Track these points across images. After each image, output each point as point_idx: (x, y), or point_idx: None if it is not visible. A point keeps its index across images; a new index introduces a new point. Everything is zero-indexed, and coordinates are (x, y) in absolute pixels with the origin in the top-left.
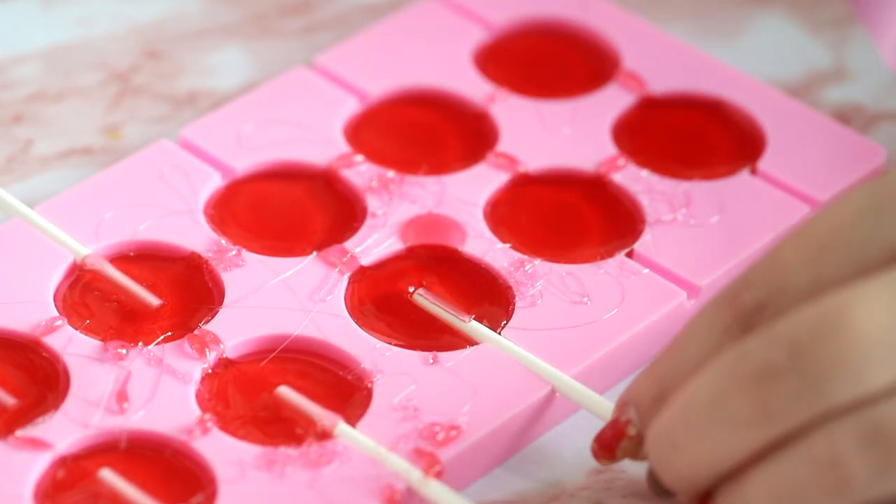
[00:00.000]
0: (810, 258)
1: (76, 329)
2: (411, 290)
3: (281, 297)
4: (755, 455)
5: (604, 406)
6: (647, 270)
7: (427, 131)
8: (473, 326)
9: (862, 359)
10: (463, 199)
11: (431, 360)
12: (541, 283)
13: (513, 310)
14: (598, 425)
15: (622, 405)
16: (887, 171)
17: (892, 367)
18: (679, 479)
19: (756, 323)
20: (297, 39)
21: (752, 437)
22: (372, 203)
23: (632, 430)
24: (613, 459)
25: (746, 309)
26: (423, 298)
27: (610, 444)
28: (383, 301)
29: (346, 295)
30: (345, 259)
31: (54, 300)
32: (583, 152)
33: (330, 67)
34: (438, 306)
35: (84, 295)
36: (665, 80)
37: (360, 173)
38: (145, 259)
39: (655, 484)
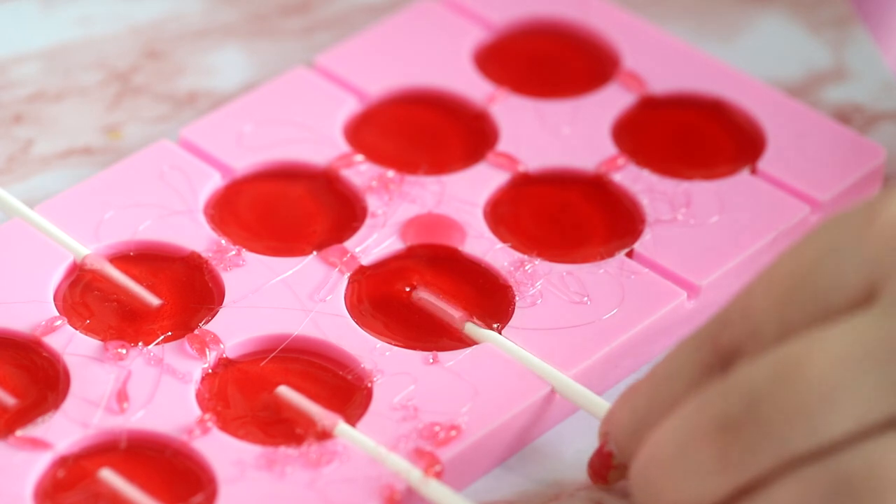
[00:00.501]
0: (777, 303)
1: (76, 329)
2: (408, 290)
3: (281, 297)
4: (725, 500)
5: (603, 407)
6: (647, 270)
7: (427, 131)
8: (473, 326)
9: (819, 406)
10: (463, 198)
11: (431, 360)
12: (541, 282)
13: (513, 310)
14: (597, 426)
15: (603, 434)
16: (846, 208)
17: (851, 414)
18: None
19: (733, 364)
20: (297, 39)
21: (718, 485)
22: (372, 203)
23: (615, 461)
24: (608, 485)
25: (724, 350)
26: (423, 298)
27: (600, 472)
28: (383, 301)
29: (346, 295)
30: (345, 259)
31: (54, 300)
32: (583, 152)
33: (330, 67)
34: (438, 305)
35: (84, 295)
36: (665, 80)
37: (360, 173)
38: (145, 259)
39: None
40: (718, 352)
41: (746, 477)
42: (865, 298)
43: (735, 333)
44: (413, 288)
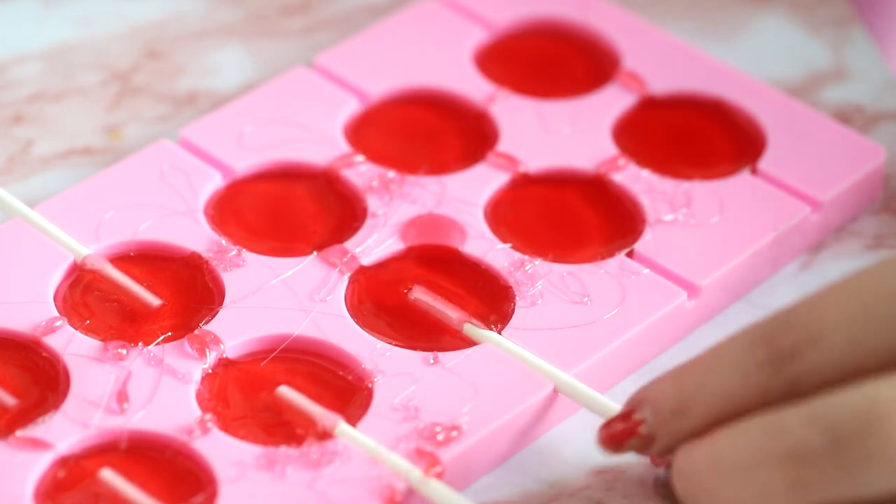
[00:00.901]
0: (851, 318)
1: (76, 329)
2: (406, 291)
3: (281, 297)
4: None
5: (605, 405)
6: (647, 270)
7: (427, 131)
8: (471, 327)
9: None
10: (463, 199)
11: (432, 360)
12: (541, 283)
13: (513, 310)
14: (598, 425)
15: (638, 402)
16: None
17: None
18: None
19: (788, 370)
20: (298, 39)
21: None
22: (372, 203)
23: (644, 430)
24: (618, 452)
25: (780, 353)
26: (419, 298)
27: (619, 438)
28: (383, 301)
29: (346, 295)
30: (345, 259)
31: (54, 300)
32: (583, 152)
33: (330, 67)
34: (434, 306)
35: (84, 295)
36: (665, 80)
37: (361, 173)
38: (145, 259)
39: (665, 493)
40: (774, 350)
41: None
42: None
43: (797, 336)
44: (409, 290)
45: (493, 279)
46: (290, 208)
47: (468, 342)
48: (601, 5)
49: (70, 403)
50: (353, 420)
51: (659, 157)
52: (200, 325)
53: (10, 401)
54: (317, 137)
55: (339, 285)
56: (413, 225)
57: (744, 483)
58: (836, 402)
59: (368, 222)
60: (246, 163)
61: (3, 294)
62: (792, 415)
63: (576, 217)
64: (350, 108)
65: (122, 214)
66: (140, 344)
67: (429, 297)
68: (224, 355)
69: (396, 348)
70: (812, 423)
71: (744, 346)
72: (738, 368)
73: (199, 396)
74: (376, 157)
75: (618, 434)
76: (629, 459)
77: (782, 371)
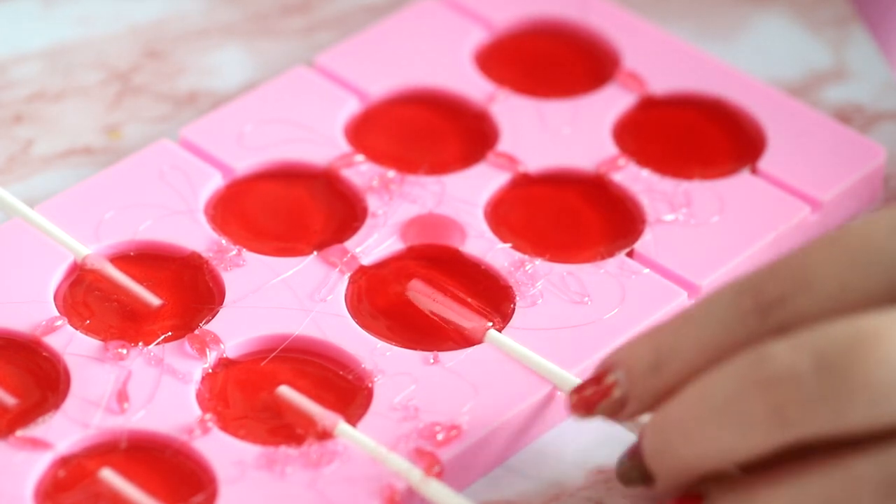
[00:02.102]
0: (839, 264)
1: (76, 329)
2: (405, 291)
3: (281, 297)
4: (762, 458)
5: None
6: (647, 270)
7: (427, 131)
8: (474, 326)
9: (886, 386)
10: (463, 199)
11: (432, 360)
12: (541, 283)
13: (513, 310)
14: (598, 425)
15: (611, 364)
16: None
17: None
18: (673, 469)
19: (776, 316)
20: (298, 39)
21: (762, 440)
22: (372, 203)
23: (617, 392)
24: (589, 416)
25: (768, 299)
26: (417, 293)
27: (590, 402)
28: (383, 301)
29: (346, 295)
30: (345, 259)
31: (54, 300)
32: (583, 152)
33: (330, 67)
34: (434, 302)
35: (84, 295)
36: (665, 80)
37: (361, 173)
38: (145, 259)
39: (628, 470)
40: (759, 303)
41: (792, 436)
42: None
43: (784, 286)
44: (407, 285)
45: (493, 279)
46: (290, 208)
47: (468, 342)
48: (601, 5)
49: (70, 403)
50: (353, 420)
51: (659, 157)
52: (200, 324)
53: (10, 401)
54: (317, 137)
55: (339, 285)
56: (413, 225)
57: (723, 418)
58: (824, 332)
59: (368, 222)
60: (246, 162)
61: (3, 294)
62: (779, 344)
63: (576, 217)
64: (350, 107)
65: (122, 214)
66: (140, 344)
67: (428, 290)
68: (224, 355)
69: (396, 348)
70: (797, 349)
71: (728, 299)
72: (721, 319)
73: (199, 396)
74: (376, 156)
75: (589, 398)
76: None
77: (769, 318)
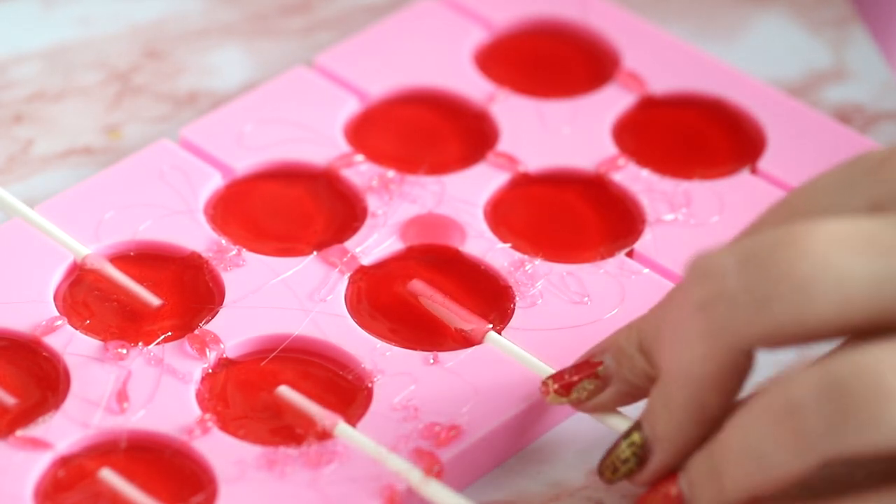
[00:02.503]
0: (777, 207)
1: (76, 329)
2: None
3: (281, 297)
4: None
5: None
6: (647, 270)
7: (427, 131)
8: (473, 325)
9: (809, 280)
10: (463, 198)
11: (431, 360)
12: (541, 283)
13: (513, 310)
14: (598, 426)
15: (599, 351)
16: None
17: (836, 294)
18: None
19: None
20: (297, 39)
21: (706, 352)
22: (372, 203)
23: (601, 370)
24: (565, 397)
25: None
26: (419, 288)
27: (571, 383)
28: (383, 301)
29: (346, 295)
30: (345, 259)
31: (54, 300)
32: (583, 152)
33: (330, 67)
34: (434, 304)
35: (84, 295)
36: (665, 80)
37: (360, 173)
38: (145, 259)
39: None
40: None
41: (728, 342)
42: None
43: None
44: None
45: (492, 279)
46: (290, 208)
47: (468, 342)
48: (601, 5)
49: (70, 403)
50: (353, 420)
51: (659, 157)
52: (200, 324)
53: (10, 401)
54: (317, 137)
55: (339, 285)
56: (413, 225)
57: (674, 340)
58: (754, 237)
59: (368, 222)
60: (246, 162)
61: (3, 294)
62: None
63: (576, 217)
64: (350, 107)
65: (122, 214)
66: (140, 344)
67: (428, 289)
68: (224, 355)
69: (396, 348)
70: (729, 252)
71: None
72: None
73: (199, 396)
74: (376, 156)
75: (570, 378)
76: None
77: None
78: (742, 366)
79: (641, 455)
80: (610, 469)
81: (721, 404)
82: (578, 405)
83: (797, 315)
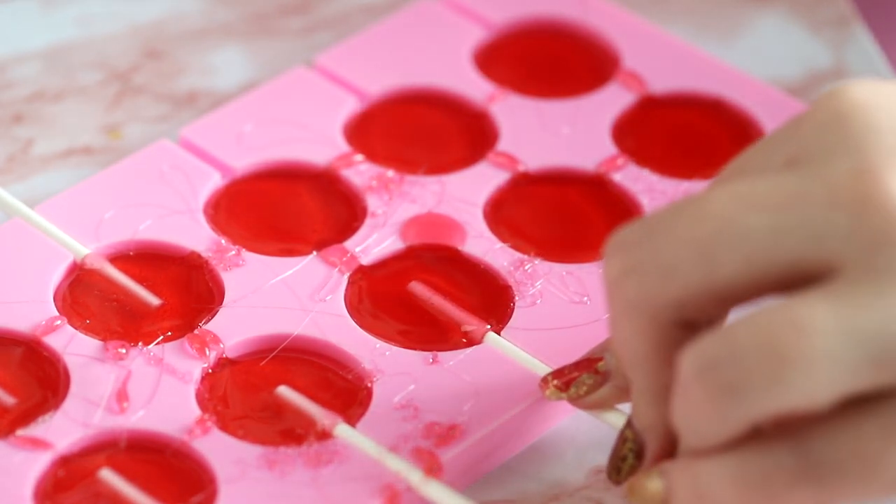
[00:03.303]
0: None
1: (76, 329)
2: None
3: (281, 297)
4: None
5: None
6: None
7: (427, 131)
8: (473, 326)
9: (715, 237)
10: (463, 198)
11: (431, 360)
12: (541, 282)
13: (513, 310)
14: (598, 425)
15: (600, 349)
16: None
17: (741, 250)
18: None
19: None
20: (297, 39)
21: (630, 326)
22: (372, 203)
23: (601, 366)
24: (564, 392)
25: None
26: (420, 289)
27: (568, 374)
28: (383, 301)
29: (346, 295)
30: (345, 259)
31: (54, 300)
32: (583, 152)
33: (330, 67)
34: (434, 300)
35: (84, 295)
36: (665, 79)
37: (360, 173)
38: (145, 259)
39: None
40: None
41: (640, 311)
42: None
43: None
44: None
45: (492, 279)
46: (290, 208)
47: (467, 342)
48: (601, 5)
49: (70, 403)
50: (353, 420)
51: (659, 157)
52: (200, 324)
53: (10, 401)
54: (317, 137)
55: (339, 285)
56: (413, 224)
57: (611, 323)
58: (660, 211)
59: (368, 222)
60: (246, 162)
61: (3, 294)
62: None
63: (576, 216)
64: (350, 107)
65: (122, 214)
66: (140, 344)
67: (428, 291)
68: (224, 355)
69: (396, 348)
70: (639, 224)
71: None
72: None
73: (199, 396)
74: (376, 156)
75: (570, 373)
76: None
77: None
78: (678, 337)
79: (637, 449)
80: (615, 470)
81: None
82: (577, 401)
83: (703, 277)
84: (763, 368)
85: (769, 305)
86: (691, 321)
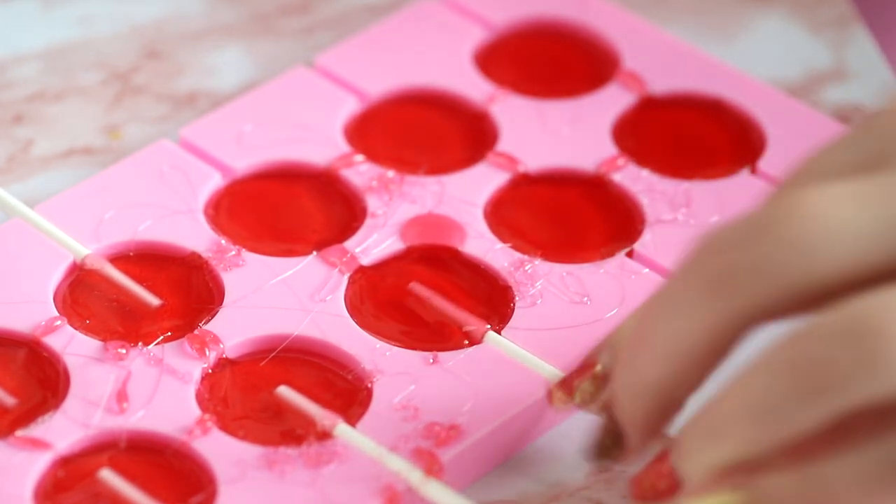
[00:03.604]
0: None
1: (76, 329)
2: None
3: (281, 297)
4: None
5: None
6: (647, 270)
7: (427, 131)
8: (473, 326)
9: (818, 240)
10: (463, 199)
11: (431, 360)
12: (541, 283)
13: (513, 310)
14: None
15: (596, 350)
16: None
17: (848, 250)
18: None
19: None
20: (297, 39)
21: (703, 315)
22: (372, 203)
23: (599, 369)
24: (569, 397)
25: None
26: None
27: (570, 381)
28: (383, 301)
29: (346, 295)
30: (345, 259)
31: (54, 300)
32: (583, 152)
33: (330, 67)
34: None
35: (84, 295)
36: (665, 80)
37: (360, 173)
38: (145, 259)
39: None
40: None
41: (731, 307)
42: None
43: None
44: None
45: (492, 279)
46: (290, 208)
47: (468, 342)
48: (601, 5)
49: (70, 403)
50: (352, 420)
51: (659, 157)
52: (200, 324)
53: (10, 401)
54: (317, 137)
55: (340, 285)
56: (413, 225)
57: (668, 306)
58: (752, 212)
59: (368, 222)
60: (246, 162)
61: (3, 294)
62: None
63: (576, 217)
64: (350, 108)
65: (122, 214)
66: (140, 344)
67: (427, 292)
68: (224, 355)
69: (396, 348)
70: (735, 227)
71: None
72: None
73: (199, 396)
74: (376, 156)
75: (569, 377)
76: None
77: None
78: (740, 336)
79: (616, 440)
80: (597, 457)
81: (695, 382)
82: (586, 407)
83: (803, 276)
84: (857, 353)
85: (864, 294)
86: (766, 321)
